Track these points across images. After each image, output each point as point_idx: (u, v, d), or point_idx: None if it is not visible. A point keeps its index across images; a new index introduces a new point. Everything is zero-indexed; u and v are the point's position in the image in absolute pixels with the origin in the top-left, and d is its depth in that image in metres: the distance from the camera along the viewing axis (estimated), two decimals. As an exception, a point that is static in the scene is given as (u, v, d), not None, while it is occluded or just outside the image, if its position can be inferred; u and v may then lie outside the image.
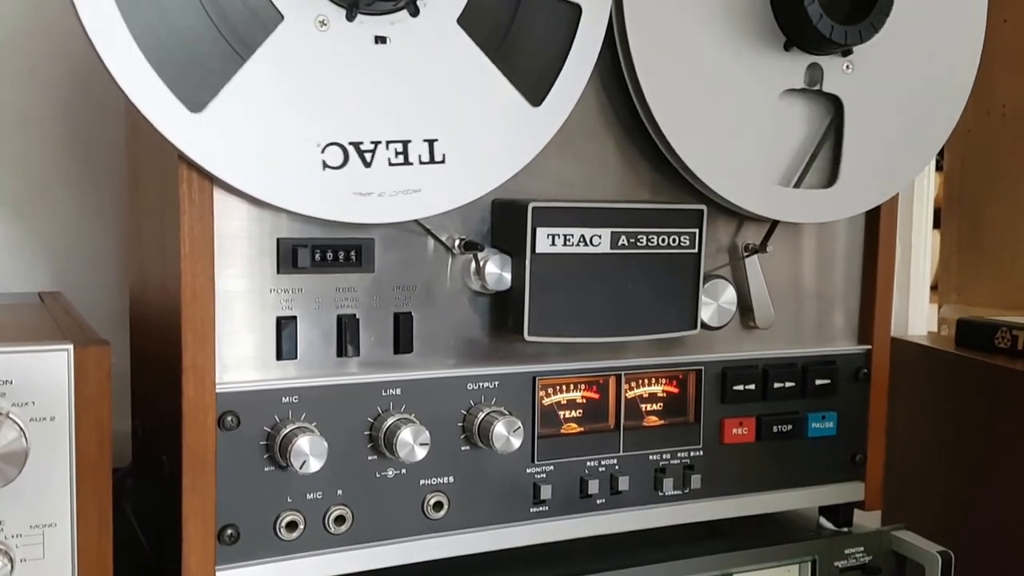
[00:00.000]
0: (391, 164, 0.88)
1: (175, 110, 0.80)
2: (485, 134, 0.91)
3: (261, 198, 0.85)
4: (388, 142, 0.88)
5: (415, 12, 0.87)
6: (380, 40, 0.87)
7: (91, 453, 0.80)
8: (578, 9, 0.94)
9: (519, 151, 0.93)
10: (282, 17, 0.83)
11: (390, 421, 0.91)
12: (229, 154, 0.83)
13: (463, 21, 0.89)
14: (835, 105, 1.07)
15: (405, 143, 0.88)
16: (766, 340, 1.11)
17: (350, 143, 0.87)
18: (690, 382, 1.07)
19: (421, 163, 0.89)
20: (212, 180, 0.84)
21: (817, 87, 1.05)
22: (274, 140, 0.84)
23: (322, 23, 0.85)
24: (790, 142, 1.07)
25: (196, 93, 0.81)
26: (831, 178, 1.08)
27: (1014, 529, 1.33)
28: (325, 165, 0.86)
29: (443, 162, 0.90)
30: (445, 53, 0.89)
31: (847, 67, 1.06)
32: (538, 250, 0.93)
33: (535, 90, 0.93)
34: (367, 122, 0.87)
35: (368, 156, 0.87)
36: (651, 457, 1.05)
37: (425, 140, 0.89)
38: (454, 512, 0.96)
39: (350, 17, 0.85)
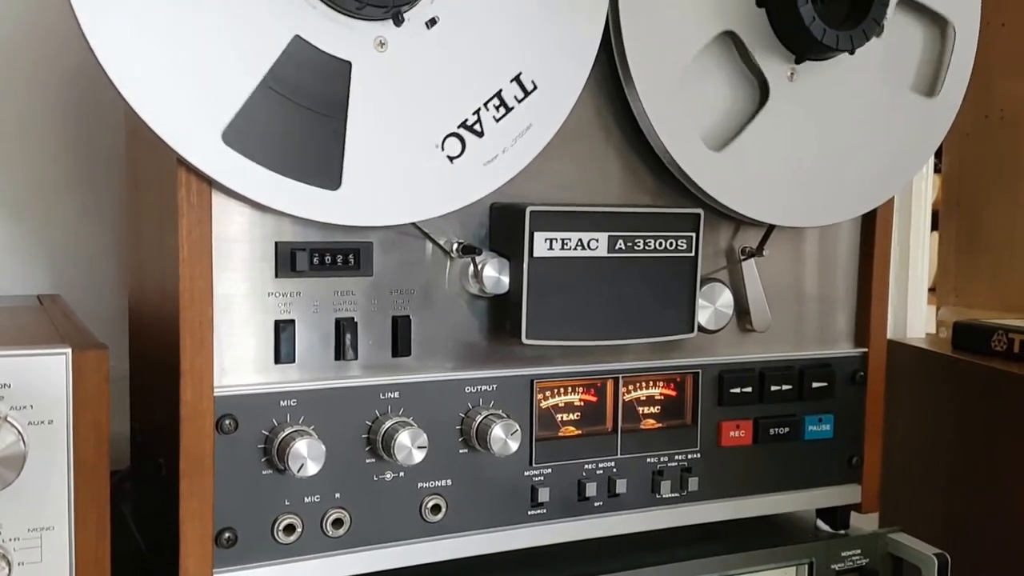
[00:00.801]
0: (496, 120, 0.92)
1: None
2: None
3: (407, 220, 0.91)
4: (484, 103, 0.91)
5: (399, 22, 0.87)
6: (431, 23, 0.89)
7: (89, 457, 0.80)
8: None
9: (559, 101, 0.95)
10: (349, 64, 0.86)
11: (388, 424, 0.92)
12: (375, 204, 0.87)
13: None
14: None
15: (497, 93, 0.91)
16: (763, 343, 1.11)
17: (458, 126, 0.90)
18: (687, 385, 1.07)
19: (518, 101, 0.93)
20: (211, 183, 0.84)
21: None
22: (403, 163, 0.89)
23: (381, 44, 0.87)
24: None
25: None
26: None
27: (1010, 531, 1.33)
28: (450, 158, 0.90)
29: (536, 88, 0.93)
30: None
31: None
32: (536, 254, 0.94)
33: None
34: (456, 100, 0.90)
35: (477, 127, 0.91)
36: (649, 460, 1.06)
37: (511, 80, 0.92)
38: (452, 515, 0.96)
39: (397, 23, 0.86)
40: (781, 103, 1.04)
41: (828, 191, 1.09)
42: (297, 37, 0.84)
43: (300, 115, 0.85)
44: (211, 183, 0.84)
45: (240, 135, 0.83)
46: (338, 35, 0.85)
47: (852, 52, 1.02)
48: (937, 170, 1.86)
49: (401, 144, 0.88)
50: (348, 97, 0.86)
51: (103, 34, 0.78)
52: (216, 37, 0.82)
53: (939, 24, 1.13)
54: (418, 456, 0.91)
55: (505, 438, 0.94)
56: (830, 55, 1.04)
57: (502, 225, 0.95)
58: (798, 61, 1.04)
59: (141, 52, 0.79)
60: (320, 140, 0.86)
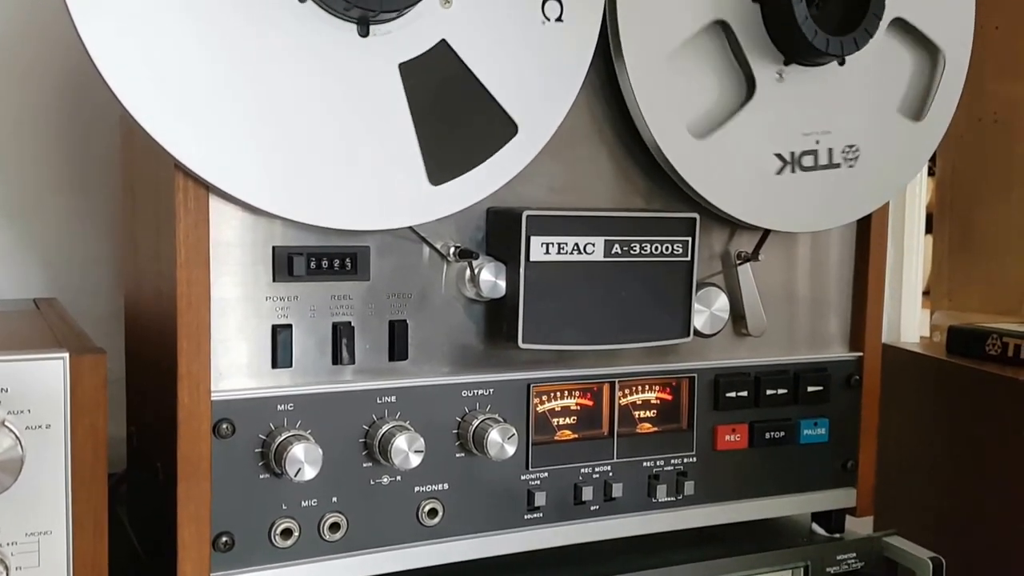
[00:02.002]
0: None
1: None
2: (376, 179, 0.90)
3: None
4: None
5: (364, 33, 0.87)
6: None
7: (86, 461, 0.80)
8: (515, 128, 0.93)
9: (395, 213, 0.91)
10: None
11: (385, 428, 0.92)
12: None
13: (404, 69, 0.89)
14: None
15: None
16: (759, 347, 1.11)
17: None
18: (683, 389, 1.07)
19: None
20: (208, 188, 0.84)
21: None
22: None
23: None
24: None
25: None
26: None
27: (1005, 534, 1.33)
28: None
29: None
30: (373, 89, 0.88)
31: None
32: (532, 258, 0.94)
33: (440, 171, 0.91)
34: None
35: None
36: (645, 464, 1.06)
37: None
38: (448, 519, 0.97)
39: (363, 32, 0.86)
40: (766, 101, 1.04)
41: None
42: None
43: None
44: (208, 187, 0.84)
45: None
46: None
47: (842, 59, 1.03)
48: (931, 173, 1.87)
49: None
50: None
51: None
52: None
53: (930, 52, 1.13)
54: (415, 460, 0.91)
55: (501, 442, 0.94)
56: (820, 60, 1.04)
57: (498, 229, 0.96)
58: (787, 63, 1.04)
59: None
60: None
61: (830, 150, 1.08)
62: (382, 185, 0.89)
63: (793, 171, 1.07)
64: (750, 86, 1.04)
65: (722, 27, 1.02)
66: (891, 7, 1.05)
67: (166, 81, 0.80)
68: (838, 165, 1.09)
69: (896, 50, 1.11)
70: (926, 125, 1.13)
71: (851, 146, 1.09)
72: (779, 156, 1.06)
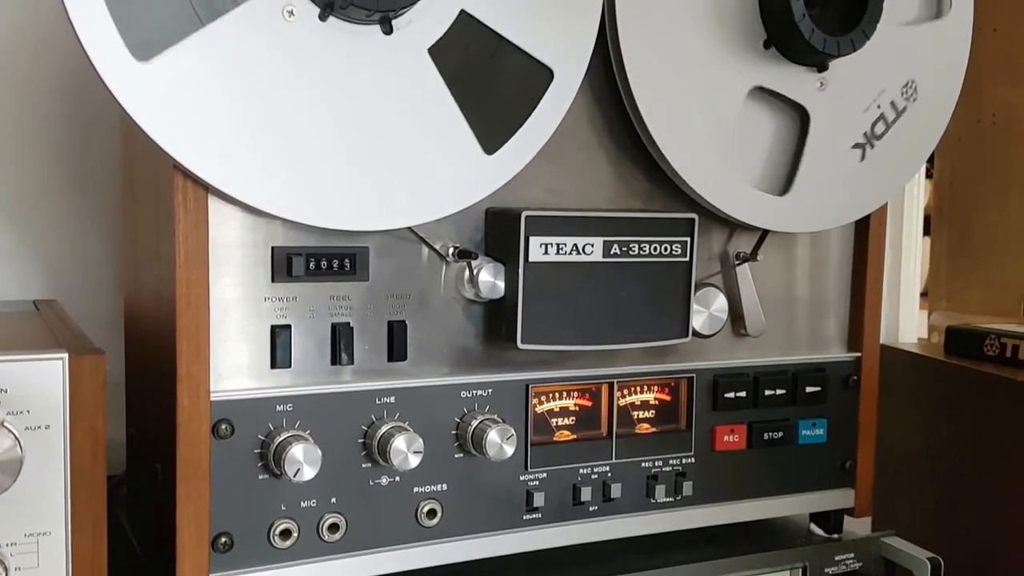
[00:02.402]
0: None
1: (122, 56, 0.79)
2: (433, 168, 0.91)
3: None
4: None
5: (388, 31, 0.87)
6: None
7: (86, 462, 0.80)
8: (550, 74, 0.94)
9: (464, 193, 0.92)
10: None
11: (384, 429, 0.92)
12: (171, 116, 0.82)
13: (434, 52, 0.89)
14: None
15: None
16: (757, 348, 1.11)
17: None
18: (682, 390, 1.08)
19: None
20: (207, 188, 0.84)
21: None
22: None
23: (290, 13, 0.84)
24: (783, 151, 1.08)
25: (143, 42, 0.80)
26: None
27: (1003, 535, 1.34)
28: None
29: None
30: (409, 80, 0.89)
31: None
32: (531, 259, 0.94)
33: (492, 139, 0.92)
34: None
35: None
36: (643, 464, 1.06)
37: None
38: (447, 520, 0.97)
39: (323, 17, 0.85)
40: (822, 116, 1.07)
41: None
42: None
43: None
44: (207, 188, 0.84)
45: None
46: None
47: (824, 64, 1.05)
48: (929, 175, 1.87)
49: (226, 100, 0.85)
50: (221, 17, 0.83)
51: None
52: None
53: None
54: (414, 461, 0.91)
55: (500, 443, 0.95)
56: (816, 61, 1.05)
57: (498, 230, 0.96)
58: (767, 44, 1.04)
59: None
60: (171, 21, 0.82)
61: (892, 103, 1.10)
62: (429, 172, 0.90)
63: (872, 146, 1.09)
64: (803, 118, 1.06)
65: (761, 91, 1.04)
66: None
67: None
68: (905, 109, 1.10)
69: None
70: (932, 106, 1.14)
71: (907, 84, 1.10)
72: (856, 146, 1.08)
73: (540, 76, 0.94)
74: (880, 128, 1.09)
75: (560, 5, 0.94)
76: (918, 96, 1.11)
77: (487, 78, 0.92)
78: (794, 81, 1.05)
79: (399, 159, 0.89)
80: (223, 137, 0.83)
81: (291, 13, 0.84)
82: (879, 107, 1.09)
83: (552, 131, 0.95)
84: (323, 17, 0.85)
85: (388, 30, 0.87)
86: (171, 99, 0.80)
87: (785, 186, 1.08)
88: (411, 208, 0.91)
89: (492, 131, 0.92)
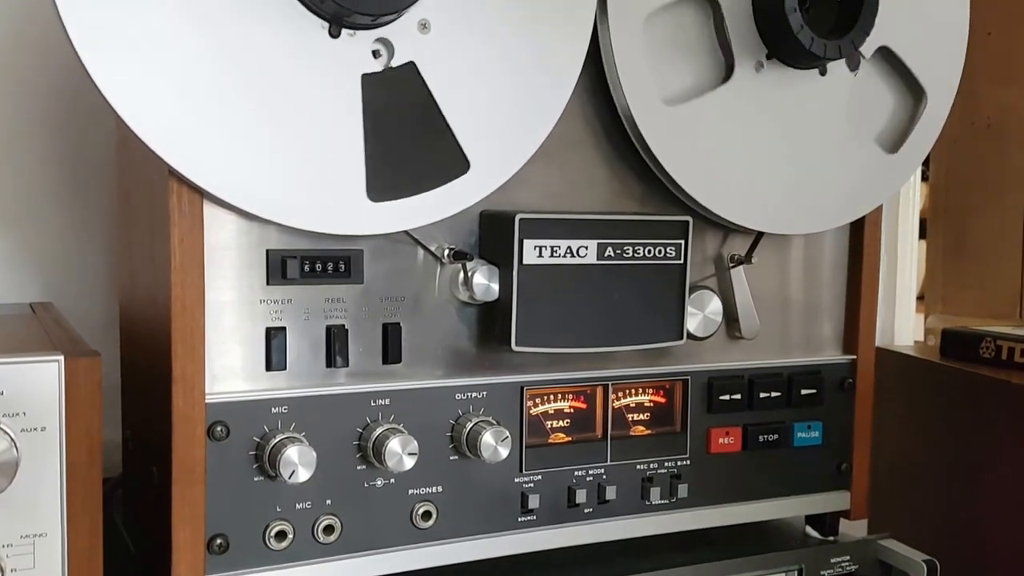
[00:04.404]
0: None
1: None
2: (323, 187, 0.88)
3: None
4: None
5: (335, 33, 0.86)
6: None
7: (81, 463, 0.81)
8: (467, 165, 0.92)
9: (337, 222, 0.89)
10: None
11: (379, 431, 0.92)
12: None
13: (366, 81, 0.88)
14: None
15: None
16: (752, 350, 1.11)
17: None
18: (677, 392, 1.08)
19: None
20: (201, 193, 0.85)
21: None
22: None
23: None
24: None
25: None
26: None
27: (999, 537, 1.34)
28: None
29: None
30: (333, 91, 0.87)
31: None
32: (525, 261, 0.94)
33: (382, 189, 0.89)
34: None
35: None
36: (638, 467, 1.06)
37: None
38: (443, 521, 0.97)
39: (333, 33, 0.86)
40: (742, 89, 1.04)
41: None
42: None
43: None
44: (202, 192, 0.84)
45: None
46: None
47: (824, 68, 1.04)
48: (924, 178, 1.88)
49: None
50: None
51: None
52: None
53: (914, 92, 1.14)
54: (408, 463, 0.91)
55: (495, 445, 0.95)
56: (815, 64, 1.05)
57: (492, 233, 0.96)
58: (769, 56, 1.04)
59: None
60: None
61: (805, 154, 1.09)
62: (326, 192, 0.88)
63: (786, 172, 1.08)
64: (728, 71, 1.04)
65: (711, 4, 1.03)
66: (878, 35, 1.06)
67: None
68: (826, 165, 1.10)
69: (879, 83, 1.12)
70: (899, 158, 1.14)
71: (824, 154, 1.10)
72: (762, 155, 1.07)
73: (457, 163, 0.92)
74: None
75: (510, 114, 0.93)
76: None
77: (406, 133, 0.90)
78: (789, 84, 1.06)
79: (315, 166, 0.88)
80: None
81: None
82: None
83: (445, 215, 0.92)
84: (334, 33, 0.85)
85: (336, 33, 0.86)
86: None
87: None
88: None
89: (386, 182, 0.89)
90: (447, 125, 0.91)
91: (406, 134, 0.90)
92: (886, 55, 1.11)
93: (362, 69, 0.88)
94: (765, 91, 1.05)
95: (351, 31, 0.87)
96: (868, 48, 1.07)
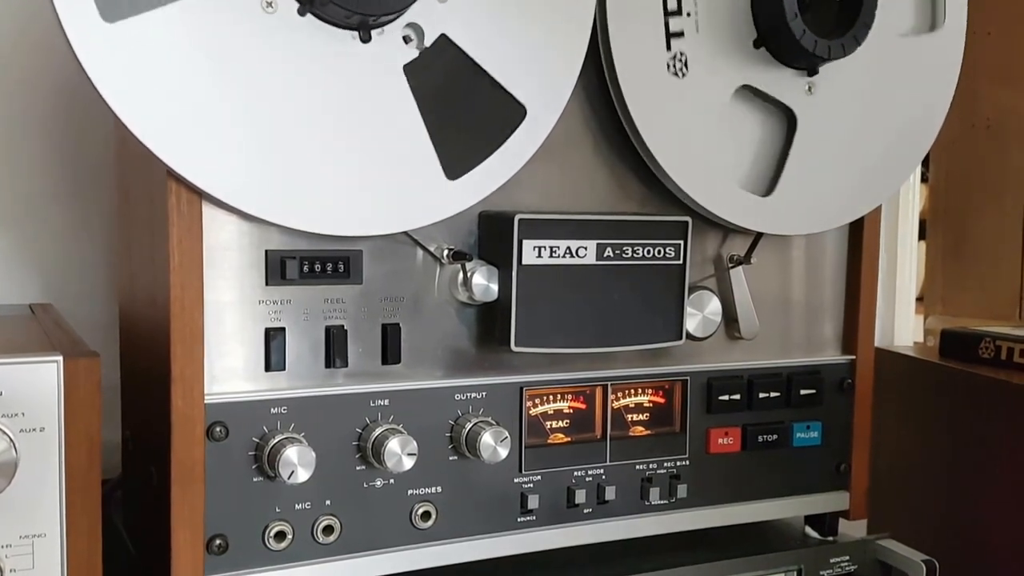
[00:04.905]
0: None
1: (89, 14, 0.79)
2: (391, 184, 0.90)
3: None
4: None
5: (367, 39, 0.87)
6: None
7: (81, 464, 0.81)
8: (523, 111, 0.94)
9: (417, 214, 0.92)
10: None
11: (378, 431, 0.92)
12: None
13: (409, 70, 0.89)
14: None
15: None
16: (751, 350, 1.11)
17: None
18: (676, 392, 1.08)
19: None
20: (200, 193, 0.85)
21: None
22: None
23: (269, 4, 0.84)
24: (774, 154, 1.08)
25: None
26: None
27: (998, 537, 1.34)
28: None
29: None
30: (382, 93, 0.89)
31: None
32: (524, 262, 0.94)
33: (455, 165, 0.92)
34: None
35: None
36: (637, 467, 1.06)
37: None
38: (442, 522, 0.97)
39: (301, 12, 0.85)
40: (809, 121, 1.07)
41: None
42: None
43: None
44: (200, 193, 0.84)
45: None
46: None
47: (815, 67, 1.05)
48: (924, 180, 1.88)
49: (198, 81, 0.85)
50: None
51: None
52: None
53: None
54: (408, 463, 0.91)
55: (494, 445, 0.95)
56: (819, 64, 1.05)
57: (491, 233, 0.96)
58: (811, 74, 1.05)
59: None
60: None
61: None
62: (393, 188, 0.90)
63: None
64: (790, 119, 1.07)
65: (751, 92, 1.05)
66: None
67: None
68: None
69: None
70: (926, 109, 1.14)
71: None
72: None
73: (514, 112, 0.93)
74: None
75: (542, 44, 0.94)
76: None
77: (460, 105, 0.92)
78: (783, 84, 1.06)
79: (384, 165, 0.89)
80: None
81: (269, 4, 0.84)
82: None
83: (518, 168, 0.94)
84: (302, 12, 0.85)
85: (366, 37, 0.87)
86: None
87: (770, 188, 1.08)
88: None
89: (457, 158, 0.91)
90: (493, 80, 0.92)
91: (459, 104, 0.91)
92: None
93: (401, 61, 0.89)
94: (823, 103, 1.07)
95: (379, 30, 0.87)
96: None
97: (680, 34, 1.00)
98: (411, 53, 0.89)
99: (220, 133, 0.83)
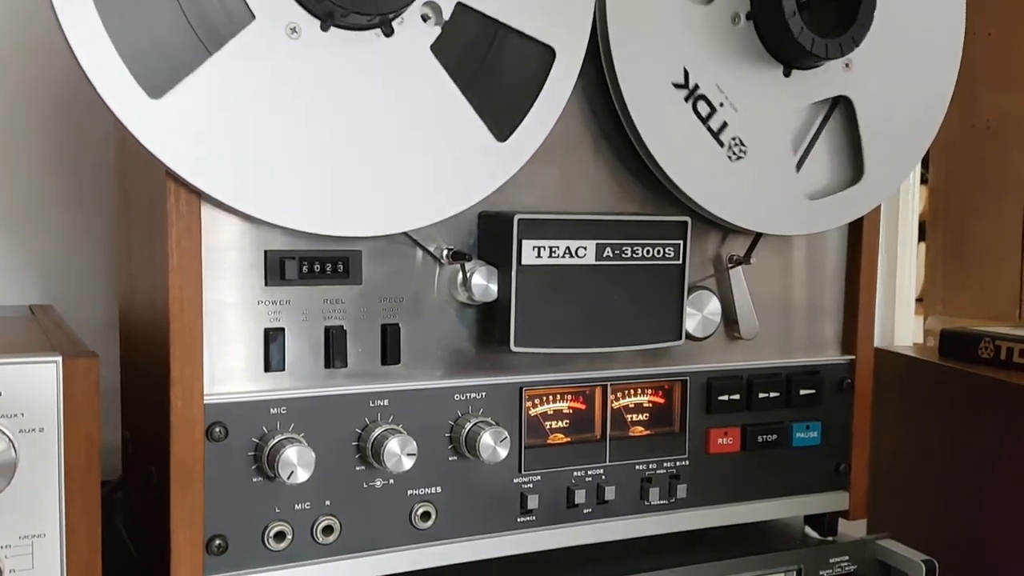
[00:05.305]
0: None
1: (135, 94, 0.80)
2: (445, 164, 0.92)
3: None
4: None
5: (389, 33, 0.88)
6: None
7: (80, 464, 0.81)
8: (552, 52, 0.95)
9: (479, 184, 0.93)
10: (253, 17, 0.84)
11: (377, 432, 0.92)
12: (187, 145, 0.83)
13: (436, 49, 0.90)
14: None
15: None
16: (751, 351, 1.11)
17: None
18: (675, 392, 1.08)
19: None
20: (199, 194, 0.85)
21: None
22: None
23: (293, 30, 0.85)
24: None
25: (157, 80, 0.81)
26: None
27: (998, 537, 1.34)
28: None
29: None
30: (414, 80, 0.90)
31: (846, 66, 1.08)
32: (524, 262, 0.94)
33: (502, 125, 0.93)
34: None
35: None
36: (637, 467, 1.06)
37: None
38: (442, 522, 0.97)
39: (324, 28, 0.86)
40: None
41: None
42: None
43: (181, 25, 0.83)
44: (199, 193, 0.84)
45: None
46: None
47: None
48: (924, 181, 1.88)
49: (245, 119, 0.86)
50: (227, 44, 0.84)
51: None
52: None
53: None
54: (407, 463, 0.91)
55: (494, 445, 0.95)
56: (819, 63, 1.05)
57: (490, 233, 0.96)
58: (787, 73, 1.05)
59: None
60: (178, 55, 0.83)
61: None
62: (445, 162, 0.91)
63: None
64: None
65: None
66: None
67: (176, 114, 0.81)
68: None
69: None
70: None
71: None
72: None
73: (543, 56, 0.94)
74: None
75: None
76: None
77: (490, 67, 0.93)
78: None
79: (398, 163, 0.90)
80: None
81: (294, 30, 0.85)
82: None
83: (561, 109, 0.96)
84: (324, 28, 0.85)
85: (389, 32, 0.87)
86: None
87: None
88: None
89: (502, 118, 0.93)
90: (517, 31, 0.93)
91: (490, 66, 0.93)
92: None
93: (427, 43, 0.90)
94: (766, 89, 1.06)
95: (399, 19, 0.88)
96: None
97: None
98: (434, 31, 0.90)
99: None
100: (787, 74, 1.05)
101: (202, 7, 0.82)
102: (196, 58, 0.82)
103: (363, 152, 0.88)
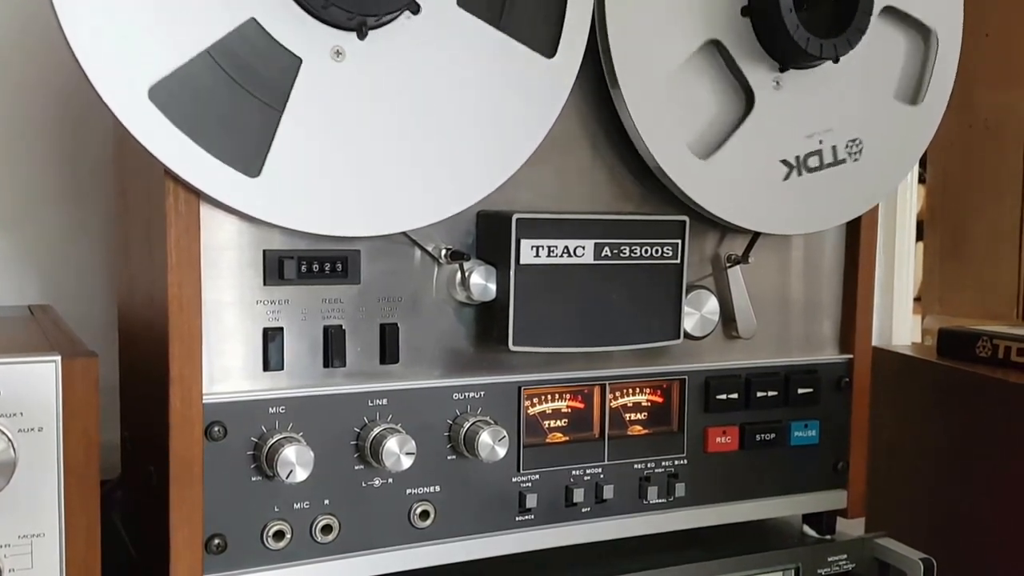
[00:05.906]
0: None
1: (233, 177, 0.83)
2: (509, 100, 0.93)
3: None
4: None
5: (416, 9, 0.87)
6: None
7: (79, 463, 0.81)
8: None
9: (545, 108, 0.95)
10: (300, 61, 0.85)
11: (376, 431, 0.92)
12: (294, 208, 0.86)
13: (463, 3, 0.91)
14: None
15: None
16: (749, 350, 1.12)
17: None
18: (674, 391, 1.08)
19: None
20: (198, 193, 0.85)
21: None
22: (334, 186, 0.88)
23: (337, 53, 0.86)
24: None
25: (247, 158, 0.84)
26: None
27: (996, 536, 1.34)
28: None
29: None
30: (453, 43, 0.91)
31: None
32: (522, 261, 0.94)
33: (545, 42, 0.94)
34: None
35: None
36: (635, 466, 1.06)
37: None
38: (440, 521, 0.97)
39: (361, 36, 0.86)
40: (766, 110, 1.05)
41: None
42: (253, 19, 0.84)
43: (237, 96, 0.84)
44: (198, 193, 0.85)
45: (169, 96, 0.81)
46: (296, 30, 0.85)
47: (836, 60, 1.03)
48: (922, 180, 1.88)
49: (332, 160, 0.88)
50: (290, 93, 0.85)
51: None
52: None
53: (922, 33, 1.14)
54: (406, 462, 0.91)
55: (492, 444, 0.95)
56: (814, 63, 1.05)
57: (489, 233, 0.96)
58: (782, 70, 1.05)
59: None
60: (251, 125, 0.85)
61: (834, 147, 1.09)
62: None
63: (800, 174, 1.08)
64: (749, 98, 1.05)
65: (715, 46, 1.03)
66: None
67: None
68: (843, 161, 1.10)
69: (888, 37, 1.12)
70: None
71: (854, 140, 1.10)
72: (784, 162, 1.07)
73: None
74: (813, 162, 1.09)
75: None
76: (860, 154, 1.11)
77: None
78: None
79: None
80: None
81: (339, 53, 0.86)
82: (820, 142, 1.09)
83: (591, 5, 0.96)
84: (362, 36, 0.86)
85: (416, 8, 0.87)
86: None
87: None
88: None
89: (543, 37, 0.94)
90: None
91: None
92: (889, 12, 1.11)
93: (452, 2, 0.90)
94: (787, 102, 1.07)
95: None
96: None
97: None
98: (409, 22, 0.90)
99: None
100: (783, 71, 1.05)
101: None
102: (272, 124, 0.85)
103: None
